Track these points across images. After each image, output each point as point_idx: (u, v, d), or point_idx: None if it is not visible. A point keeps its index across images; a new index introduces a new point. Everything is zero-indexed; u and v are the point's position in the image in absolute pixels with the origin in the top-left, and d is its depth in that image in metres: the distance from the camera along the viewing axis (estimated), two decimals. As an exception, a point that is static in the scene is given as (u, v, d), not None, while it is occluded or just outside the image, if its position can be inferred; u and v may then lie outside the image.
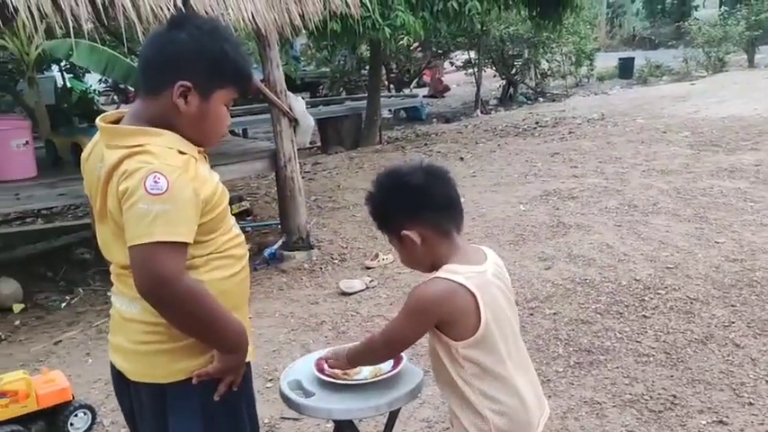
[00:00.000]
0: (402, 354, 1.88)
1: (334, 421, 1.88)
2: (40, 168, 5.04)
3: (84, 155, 1.60)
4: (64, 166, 5.43)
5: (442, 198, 1.58)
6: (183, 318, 1.44)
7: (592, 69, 16.59)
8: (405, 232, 1.55)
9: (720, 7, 21.66)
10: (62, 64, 10.34)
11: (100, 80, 13.18)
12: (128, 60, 6.06)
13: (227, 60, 1.49)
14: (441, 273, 1.52)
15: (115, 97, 17.47)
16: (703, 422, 2.73)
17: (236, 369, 1.57)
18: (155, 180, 1.35)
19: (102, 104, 13.94)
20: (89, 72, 10.47)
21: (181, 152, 1.45)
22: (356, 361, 1.74)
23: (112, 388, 3.20)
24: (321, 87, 14.72)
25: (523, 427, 1.57)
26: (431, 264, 1.59)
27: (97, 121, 1.53)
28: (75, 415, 2.96)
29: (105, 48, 5.84)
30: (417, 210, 1.55)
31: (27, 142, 4.94)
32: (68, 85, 10.61)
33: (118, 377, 1.64)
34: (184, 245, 1.39)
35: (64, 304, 4.68)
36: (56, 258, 5.59)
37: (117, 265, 1.54)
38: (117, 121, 1.54)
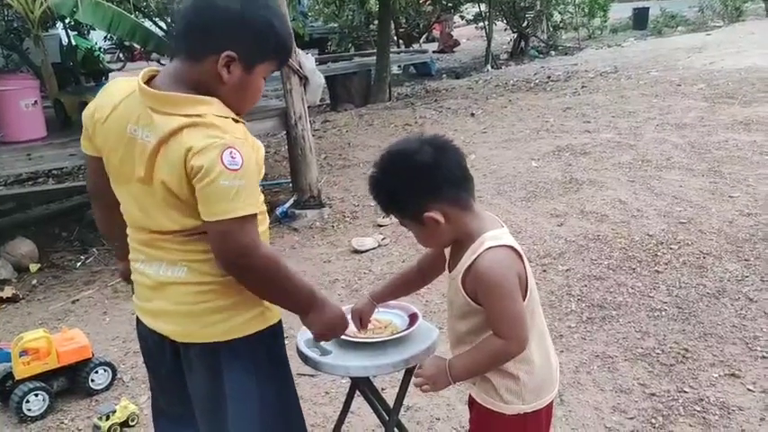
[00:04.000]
0: (417, 312, 1.90)
1: (351, 378, 1.91)
2: (49, 128, 5.02)
3: (101, 113, 1.53)
4: (73, 126, 5.40)
5: (458, 170, 1.49)
6: (265, 283, 1.49)
7: (605, 21, 16.19)
8: (428, 214, 1.45)
9: (739, -46, 20.93)
10: (66, 21, 10.20)
11: (105, 37, 13.02)
12: (132, 17, 5.97)
13: (274, 34, 1.47)
14: (487, 242, 1.45)
15: (121, 55, 17.29)
16: (715, 375, 2.75)
17: (330, 323, 1.62)
18: (231, 156, 1.36)
19: (107, 62, 13.83)
20: (93, 29, 10.33)
21: (234, 120, 1.45)
22: (477, 372, 1.54)
23: (130, 345, 3.26)
24: (329, 44, 14.48)
25: (549, 383, 1.58)
26: (453, 239, 1.53)
27: (140, 82, 1.47)
28: (96, 372, 3.03)
29: (110, 4, 5.75)
30: (436, 189, 1.46)
31: (36, 102, 4.91)
32: (73, 42, 10.48)
33: (157, 342, 1.62)
34: (256, 215, 1.43)
35: (79, 264, 4.74)
36: (69, 218, 5.64)
37: (157, 230, 1.51)
38: (149, 80, 1.50)
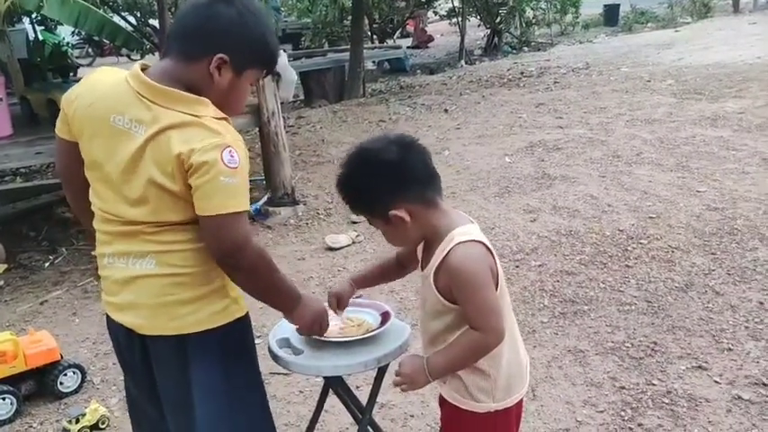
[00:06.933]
0: (390, 310, 1.90)
1: (324, 378, 1.90)
2: (15, 126, 4.92)
3: (82, 101, 1.54)
4: (40, 124, 5.30)
5: (423, 168, 1.51)
6: (257, 277, 1.54)
7: (577, 17, 16.38)
8: (393, 212, 1.47)
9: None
10: (33, 16, 9.98)
11: (72, 33, 12.76)
12: (101, 12, 5.87)
13: (265, 44, 1.59)
14: (457, 237, 1.46)
15: (90, 50, 16.97)
16: (683, 367, 2.80)
17: (314, 319, 1.72)
18: (231, 155, 1.45)
19: (76, 57, 13.57)
20: (61, 24, 10.12)
21: (226, 120, 1.52)
22: (456, 368, 1.53)
23: (100, 347, 3.21)
24: (303, 39, 14.40)
25: (519, 380, 1.59)
26: (421, 237, 1.55)
27: (139, 73, 1.50)
28: (65, 374, 2.98)
29: (77, -1, 5.64)
30: (401, 187, 1.47)
31: (1, 99, 4.80)
32: (41, 38, 10.26)
33: (126, 337, 1.63)
34: (248, 211, 1.52)
35: (48, 264, 4.65)
36: (37, 218, 5.53)
37: (131, 221, 1.52)
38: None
